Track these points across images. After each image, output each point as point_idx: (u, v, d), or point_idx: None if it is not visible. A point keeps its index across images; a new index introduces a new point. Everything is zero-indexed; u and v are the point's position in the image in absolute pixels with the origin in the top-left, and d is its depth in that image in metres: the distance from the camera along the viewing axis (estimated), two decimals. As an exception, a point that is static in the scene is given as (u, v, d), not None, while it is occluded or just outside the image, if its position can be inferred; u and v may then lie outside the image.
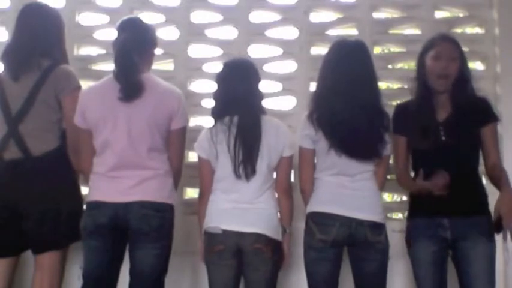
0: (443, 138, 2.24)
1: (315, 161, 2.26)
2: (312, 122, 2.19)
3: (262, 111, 2.27)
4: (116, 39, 2.27)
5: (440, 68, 2.25)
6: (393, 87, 3.17)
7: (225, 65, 2.33)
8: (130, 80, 2.15)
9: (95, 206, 2.14)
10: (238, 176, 2.15)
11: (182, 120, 2.26)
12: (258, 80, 2.32)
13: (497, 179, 2.24)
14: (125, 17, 2.40)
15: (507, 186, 2.17)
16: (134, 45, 2.20)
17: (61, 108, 2.33)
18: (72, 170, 2.35)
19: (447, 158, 2.21)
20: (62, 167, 2.31)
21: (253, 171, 2.15)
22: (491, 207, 2.25)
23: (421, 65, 2.34)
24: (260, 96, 2.30)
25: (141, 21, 2.38)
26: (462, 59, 2.30)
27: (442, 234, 2.20)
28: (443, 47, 2.28)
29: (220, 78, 2.29)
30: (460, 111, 2.25)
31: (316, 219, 2.15)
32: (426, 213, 2.23)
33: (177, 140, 2.27)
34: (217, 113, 2.25)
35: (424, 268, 2.23)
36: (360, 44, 2.25)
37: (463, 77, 2.29)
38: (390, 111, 2.33)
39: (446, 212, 2.19)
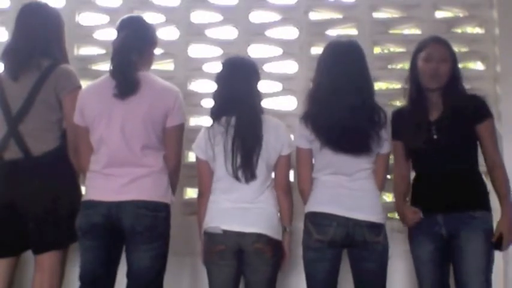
0: (435, 136, 2.26)
1: (313, 161, 2.26)
2: (306, 122, 2.20)
3: (260, 111, 2.26)
4: (116, 37, 2.26)
5: (430, 69, 2.28)
6: (393, 87, 3.16)
7: (225, 64, 2.32)
8: (125, 77, 2.14)
9: (90, 205, 2.13)
10: (237, 179, 2.15)
11: (178, 117, 2.23)
12: (258, 80, 2.31)
13: (497, 185, 2.26)
14: (126, 16, 2.40)
15: (507, 206, 2.20)
16: (133, 43, 2.20)
17: (61, 107, 2.33)
18: (72, 170, 2.34)
19: (440, 156, 2.24)
20: (62, 166, 2.31)
21: (253, 176, 2.15)
22: (492, 204, 2.26)
23: (413, 66, 2.37)
24: (259, 96, 2.30)
25: (142, 19, 2.37)
26: (453, 61, 2.33)
27: (438, 232, 2.21)
28: (434, 48, 2.32)
29: (220, 78, 2.28)
30: (452, 110, 2.27)
31: (314, 219, 2.15)
32: (422, 211, 2.25)
33: (173, 137, 2.24)
34: (215, 113, 2.25)
35: (423, 266, 2.25)
36: (354, 44, 2.25)
37: (454, 78, 2.32)
38: (390, 111, 2.34)
39: (440, 209, 2.21)
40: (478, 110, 2.28)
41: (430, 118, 2.30)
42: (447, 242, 2.21)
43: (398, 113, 2.39)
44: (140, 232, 2.08)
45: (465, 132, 2.26)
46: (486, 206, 2.24)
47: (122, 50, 2.18)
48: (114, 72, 2.17)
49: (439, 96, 2.31)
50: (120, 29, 2.27)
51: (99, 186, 2.14)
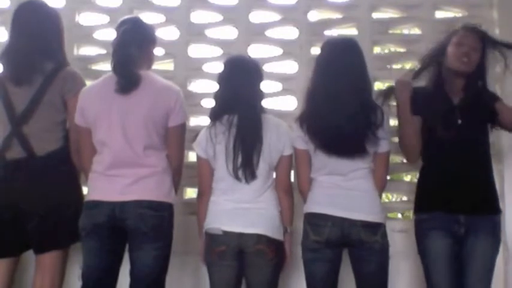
0: (459, 121, 2.24)
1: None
2: (301, 123, 2.19)
3: (262, 110, 2.26)
4: (115, 36, 2.26)
5: (461, 53, 2.25)
6: (393, 87, 3.16)
7: (226, 64, 2.31)
8: (127, 70, 2.14)
9: (93, 205, 2.13)
10: (238, 179, 2.14)
11: (179, 117, 2.22)
12: (260, 79, 2.30)
13: None
14: (125, 16, 2.40)
15: None
16: (133, 39, 2.20)
17: (66, 109, 2.33)
18: (74, 170, 2.35)
19: (463, 142, 2.21)
20: (64, 167, 2.30)
21: (253, 176, 2.14)
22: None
23: (440, 52, 2.33)
24: (261, 95, 2.29)
25: (141, 19, 2.37)
26: (483, 53, 2.30)
27: (456, 230, 2.18)
28: (467, 36, 2.29)
29: (222, 78, 2.28)
30: (472, 96, 2.26)
31: (310, 220, 2.15)
32: (443, 208, 2.20)
33: (175, 137, 2.24)
34: (216, 113, 2.24)
35: (440, 261, 2.17)
36: (351, 42, 2.24)
37: (480, 69, 2.30)
38: (390, 111, 2.33)
39: (463, 209, 2.18)
40: (493, 94, 2.33)
41: (454, 102, 2.28)
42: (461, 241, 2.19)
43: (421, 91, 2.33)
44: (144, 232, 2.08)
45: (485, 118, 2.27)
46: (499, 209, 2.25)
47: (122, 45, 2.18)
48: (116, 67, 2.17)
49: (461, 84, 2.29)
50: (118, 27, 2.27)
51: (103, 187, 2.13)
